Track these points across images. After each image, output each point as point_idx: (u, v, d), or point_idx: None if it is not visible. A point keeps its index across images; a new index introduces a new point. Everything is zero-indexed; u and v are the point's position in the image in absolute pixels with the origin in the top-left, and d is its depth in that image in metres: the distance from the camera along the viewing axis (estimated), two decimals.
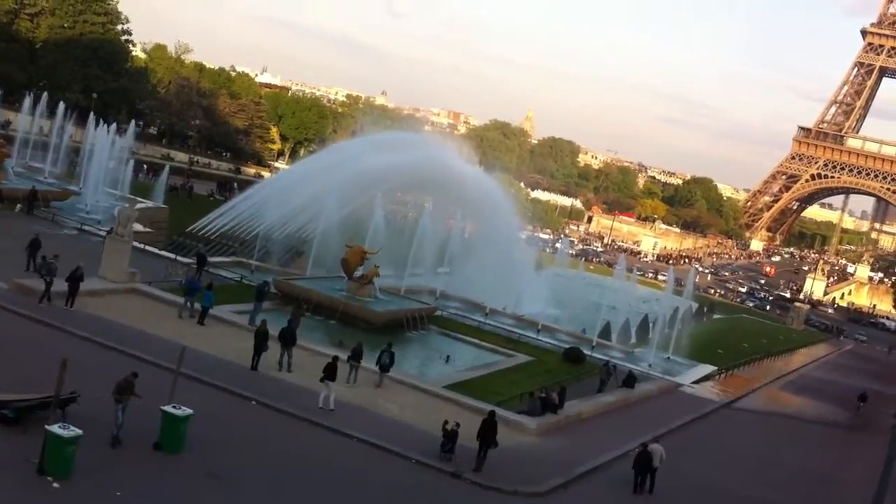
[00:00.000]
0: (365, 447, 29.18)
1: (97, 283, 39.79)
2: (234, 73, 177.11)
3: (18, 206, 56.76)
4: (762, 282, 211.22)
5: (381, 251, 53.75)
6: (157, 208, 66.80)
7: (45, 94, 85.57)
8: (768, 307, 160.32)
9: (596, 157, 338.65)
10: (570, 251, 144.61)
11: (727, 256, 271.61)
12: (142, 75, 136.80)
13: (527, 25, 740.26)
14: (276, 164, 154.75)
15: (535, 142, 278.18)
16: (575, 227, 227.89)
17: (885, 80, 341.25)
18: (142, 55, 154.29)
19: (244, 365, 34.04)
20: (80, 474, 21.38)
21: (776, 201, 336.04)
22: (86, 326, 33.98)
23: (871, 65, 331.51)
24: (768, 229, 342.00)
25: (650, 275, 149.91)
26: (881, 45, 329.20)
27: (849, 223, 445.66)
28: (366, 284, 50.70)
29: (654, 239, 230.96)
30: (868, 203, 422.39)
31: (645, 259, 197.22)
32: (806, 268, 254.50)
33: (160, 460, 23.91)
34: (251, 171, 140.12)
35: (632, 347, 62.82)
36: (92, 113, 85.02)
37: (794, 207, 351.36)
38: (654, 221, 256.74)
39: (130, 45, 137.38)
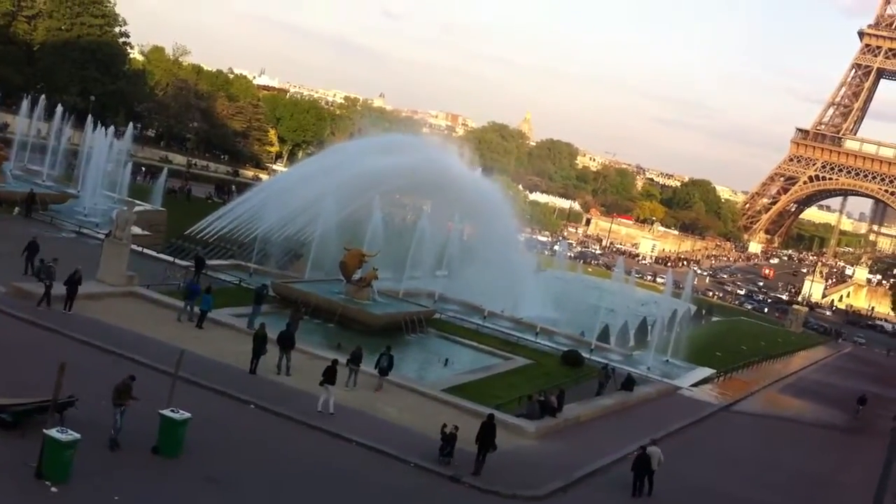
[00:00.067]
0: (363, 451, 29.13)
1: (95, 287, 39.71)
2: (231, 76, 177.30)
3: (16, 208, 56.73)
4: (761, 284, 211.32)
5: (380, 254, 53.71)
6: (156, 211, 66.72)
7: (42, 97, 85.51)
8: (766, 310, 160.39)
9: (594, 160, 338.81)
10: (569, 254, 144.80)
11: (725, 259, 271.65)
12: (139, 78, 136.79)
13: (525, 27, 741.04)
14: (275, 167, 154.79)
15: (534, 144, 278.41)
16: (573, 230, 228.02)
17: (882, 81, 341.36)
18: (139, 57, 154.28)
19: (243, 368, 33.98)
20: (79, 478, 21.33)
21: (774, 203, 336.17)
22: (84, 330, 33.92)
23: (868, 66, 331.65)
24: (766, 231, 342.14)
25: (648, 277, 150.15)
26: (879, 47, 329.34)
27: (847, 225, 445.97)
28: (364, 287, 50.67)
29: (652, 241, 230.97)
30: (866, 205, 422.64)
31: (643, 261, 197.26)
32: (804, 270, 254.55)
33: (158, 464, 23.84)
34: (249, 173, 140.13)
35: (630, 350, 62.80)
36: (90, 115, 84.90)
37: (793, 209, 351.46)
38: (652, 224, 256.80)
39: (128, 48, 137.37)
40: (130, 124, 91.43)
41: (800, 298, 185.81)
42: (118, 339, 33.80)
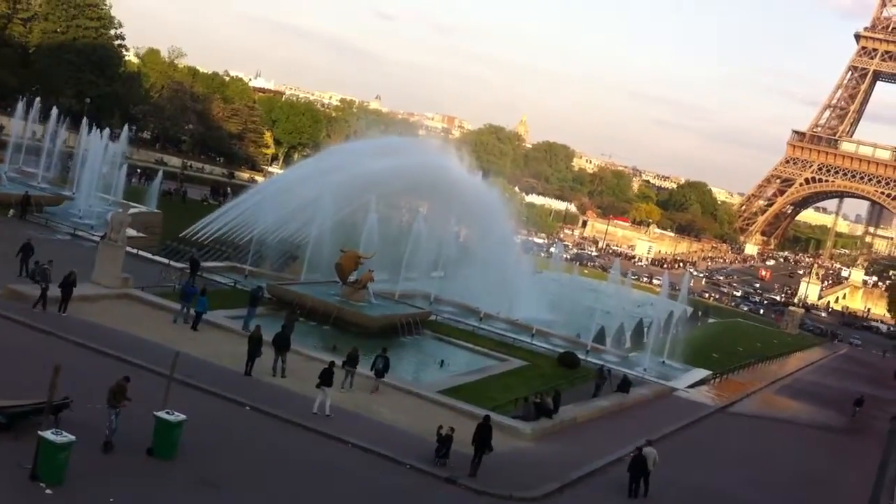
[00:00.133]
0: (359, 452, 29.03)
1: (90, 289, 39.59)
2: (227, 78, 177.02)
3: (11, 210, 56.66)
4: (757, 286, 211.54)
5: (376, 255, 53.68)
6: (151, 213, 66.64)
7: (37, 99, 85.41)
8: (762, 311, 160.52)
9: (590, 162, 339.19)
10: (565, 255, 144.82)
11: (722, 260, 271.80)
12: (135, 80, 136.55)
13: (521, 29, 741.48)
14: (270, 169, 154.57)
15: (530, 146, 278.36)
16: (569, 232, 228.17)
17: (878, 83, 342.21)
18: (135, 60, 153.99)
19: (238, 370, 33.89)
20: (73, 480, 21.20)
21: (771, 205, 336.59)
22: (79, 332, 33.78)
23: (864, 69, 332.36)
24: (763, 233, 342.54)
25: (645, 279, 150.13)
26: (875, 49, 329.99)
27: (843, 227, 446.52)
28: (360, 289, 50.62)
29: (648, 243, 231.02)
30: (862, 207, 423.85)
31: (639, 263, 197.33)
32: (801, 272, 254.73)
33: (153, 466, 23.71)
34: (245, 175, 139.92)
35: (627, 352, 62.83)
36: (85, 118, 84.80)
37: (789, 211, 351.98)
38: (648, 225, 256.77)
39: (123, 50, 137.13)
40: (126, 126, 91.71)
41: (796, 300, 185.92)
42: (113, 340, 33.68)
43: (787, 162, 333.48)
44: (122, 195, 69.81)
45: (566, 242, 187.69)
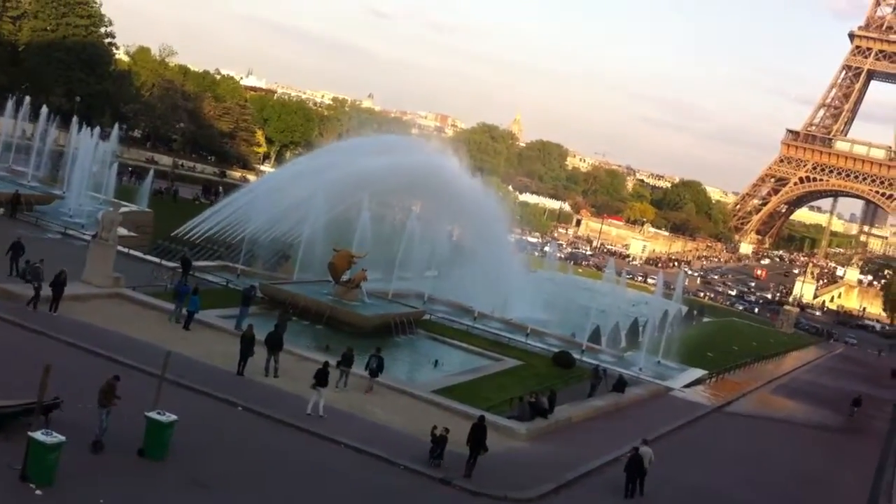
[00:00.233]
0: (353, 453, 28.81)
1: (81, 288, 39.28)
2: (218, 76, 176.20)
3: (1, 209, 56.32)
4: (752, 285, 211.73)
5: (369, 255, 53.43)
6: (142, 212, 66.20)
7: (27, 98, 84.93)
8: (757, 310, 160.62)
9: (584, 161, 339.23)
10: (559, 255, 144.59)
11: (716, 260, 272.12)
12: (125, 78, 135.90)
13: (515, 27, 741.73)
14: (262, 168, 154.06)
15: (524, 145, 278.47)
16: (563, 231, 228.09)
17: (873, 83, 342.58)
18: (125, 58, 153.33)
19: (230, 370, 33.64)
20: (64, 481, 21.00)
21: (765, 204, 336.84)
22: (70, 331, 33.50)
23: (858, 68, 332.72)
24: (757, 232, 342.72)
25: (639, 278, 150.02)
26: (869, 49, 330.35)
27: (838, 226, 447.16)
28: (353, 288, 50.39)
29: (643, 242, 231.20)
30: (857, 206, 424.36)
31: (634, 262, 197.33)
32: (796, 271, 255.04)
33: (144, 467, 23.49)
34: (237, 174, 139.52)
35: (622, 351, 62.64)
36: (75, 116, 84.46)
37: (783, 210, 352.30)
38: (642, 225, 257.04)
39: (114, 48, 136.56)
40: (116, 125, 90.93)
41: (790, 299, 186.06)
42: (104, 340, 33.42)
43: (782, 161, 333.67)
44: (112, 194, 69.34)
45: (560, 241, 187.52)
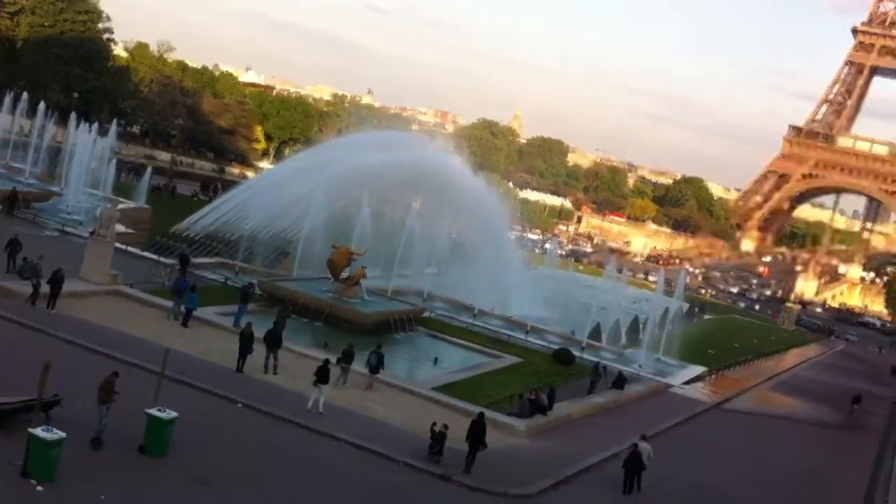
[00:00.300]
0: (353, 449, 28.83)
1: (79, 285, 39.24)
2: (217, 72, 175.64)
3: None
4: (754, 282, 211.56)
5: (368, 251, 53.36)
6: (140, 209, 66.10)
7: (25, 94, 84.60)
8: (758, 307, 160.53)
9: (585, 157, 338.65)
10: (560, 251, 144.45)
11: (718, 256, 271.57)
12: (124, 74, 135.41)
13: (515, 23, 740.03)
14: (261, 164, 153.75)
15: (524, 141, 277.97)
16: (564, 228, 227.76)
17: (876, 78, 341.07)
18: (123, 54, 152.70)
19: (229, 367, 33.62)
20: (64, 477, 21.08)
21: (767, 201, 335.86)
22: (68, 329, 33.48)
23: (861, 64, 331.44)
24: (759, 229, 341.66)
25: (640, 275, 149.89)
26: (872, 44, 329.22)
27: (840, 223, 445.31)
28: (353, 286, 50.31)
29: (644, 239, 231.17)
30: (860, 203, 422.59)
31: (635, 259, 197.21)
32: (798, 268, 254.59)
33: (145, 464, 23.53)
34: (235, 170, 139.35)
35: (622, 348, 62.52)
36: (73, 112, 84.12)
37: (786, 207, 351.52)
38: (644, 221, 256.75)
39: (112, 44, 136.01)
40: (114, 121, 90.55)
41: (792, 296, 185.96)
42: (102, 337, 33.39)
43: (784, 157, 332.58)
44: (110, 191, 68.94)
45: (561, 238, 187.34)
